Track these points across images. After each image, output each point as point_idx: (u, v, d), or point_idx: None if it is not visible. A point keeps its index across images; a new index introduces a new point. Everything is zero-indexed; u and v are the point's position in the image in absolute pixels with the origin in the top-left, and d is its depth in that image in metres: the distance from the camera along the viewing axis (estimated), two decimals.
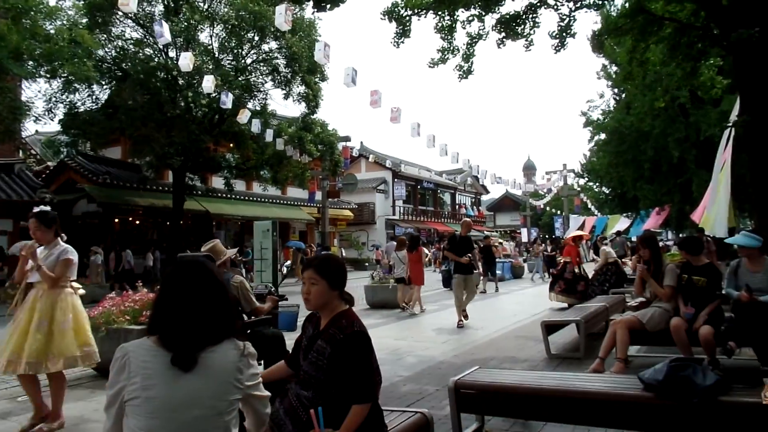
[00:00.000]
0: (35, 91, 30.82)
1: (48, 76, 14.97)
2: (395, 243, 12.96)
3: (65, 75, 15.02)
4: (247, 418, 1.89)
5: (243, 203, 24.55)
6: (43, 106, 16.17)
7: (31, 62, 14.03)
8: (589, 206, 31.90)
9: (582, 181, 29.72)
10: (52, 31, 14.07)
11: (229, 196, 22.74)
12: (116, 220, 21.01)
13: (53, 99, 16.58)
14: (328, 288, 2.38)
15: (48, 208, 4.38)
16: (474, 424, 3.58)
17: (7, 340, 4.04)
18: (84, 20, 16.45)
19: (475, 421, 3.61)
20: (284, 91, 19.87)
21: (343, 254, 21.14)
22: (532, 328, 7.87)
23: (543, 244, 22.36)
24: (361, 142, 35.88)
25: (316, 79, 20.10)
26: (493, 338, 7.73)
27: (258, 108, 19.30)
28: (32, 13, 13.45)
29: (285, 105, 71.87)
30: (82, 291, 4.44)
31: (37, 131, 25.99)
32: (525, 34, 8.64)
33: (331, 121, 64.99)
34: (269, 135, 16.66)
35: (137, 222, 22.16)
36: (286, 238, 26.59)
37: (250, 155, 20.53)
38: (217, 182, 22.50)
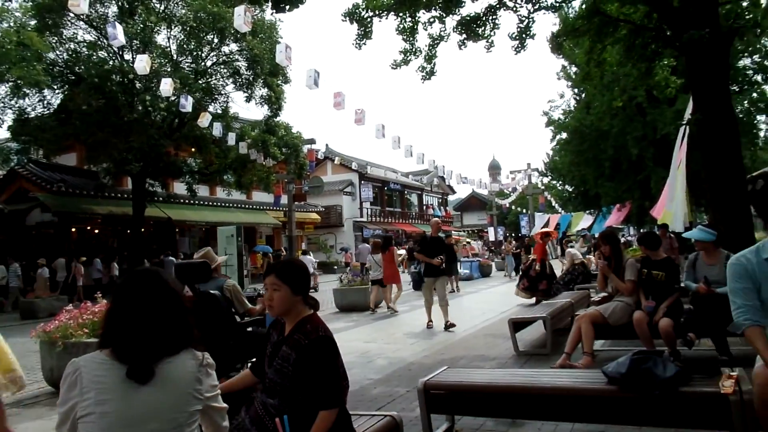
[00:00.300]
0: None
1: None
2: (368, 246, 12.99)
3: (13, 79, 14.42)
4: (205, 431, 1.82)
5: (207, 209, 24.06)
6: None
7: None
8: (554, 204, 32.56)
9: (546, 180, 30.36)
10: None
11: (191, 201, 22.25)
12: (73, 230, 20.25)
13: (1, 105, 15.88)
14: (290, 293, 2.34)
15: None
16: (444, 425, 3.57)
17: None
18: (32, 22, 15.84)
19: (445, 421, 3.60)
20: (246, 94, 19.60)
21: (311, 257, 20.91)
22: (500, 326, 7.95)
23: (513, 242, 22.78)
24: (327, 145, 35.72)
25: (279, 82, 19.89)
26: (463, 337, 7.77)
27: (219, 111, 18.95)
28: None
29: (247, 108, 71.03)
30: None
31: None
32: (486, 35, 8.74)
33: (296, 124, 64.66)
34: (232, 138, 16.38)
35: (96, 231, 21.43)
36: (253, 243, 26.20)
37: (213, 159, 20.14)
38: (179, 188, 21.97)
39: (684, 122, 9.02)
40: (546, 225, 23.92)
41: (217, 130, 15.33)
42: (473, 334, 8.01)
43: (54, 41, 16.97)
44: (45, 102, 17.19)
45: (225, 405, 1.84)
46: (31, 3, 15.98)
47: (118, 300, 1.71)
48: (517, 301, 11.09)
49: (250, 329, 4.99)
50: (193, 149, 20.37)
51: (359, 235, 34.47)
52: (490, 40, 8.80)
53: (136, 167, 17.57)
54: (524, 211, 35.32)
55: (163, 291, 1.72)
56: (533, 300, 10.53)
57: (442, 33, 8.80)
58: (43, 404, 5.31)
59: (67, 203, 18.55)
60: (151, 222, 21.18)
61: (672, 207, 9.85)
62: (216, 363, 1.79)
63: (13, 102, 16.02)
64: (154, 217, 20.92)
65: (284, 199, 22.19)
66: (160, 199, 21.19)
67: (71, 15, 16.67)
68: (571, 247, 13.61)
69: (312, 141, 22.11)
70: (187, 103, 13.32)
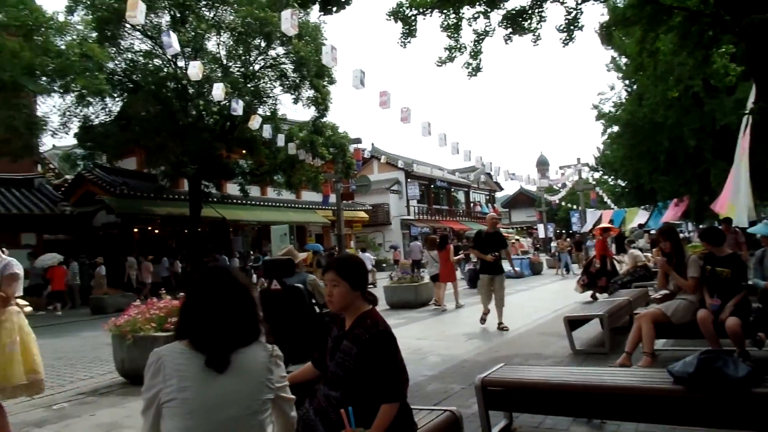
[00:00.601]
0: (50, 106, 31.32)
1: (61, 90, 15.18)
2: (419, 243, 13.13)
3: (78, 89, 15.25)
4: (275, 422, 1.90)
5: (258, 208, 24.72)
6: (58, 121, 16.43)
7: (44, 78, 14.25)
8: (605, 200, 31.57)
9: (597, 175, 29.42)
10: (63, 47, 14.26)
11: (244, 201, 22.89)
12: (135, 230, 21.25)
13: (67, 113, 16.84)
14: (350, 289, 2.40)
15: None
16: (502, 422, 3.56)
17: None
18: (93, 34, 16.68)
19: (503, 418, 3.59)
20: (293, 96, 19.99)
21: (369, 254, 21.18)
22: (554, 324, 7.81)
23: (567, 240, 22.38)
24: (372, 144, 35.92)
25: (325, 83, 20.16)
26: (516, 335, 7.68)
27: (268, 113, 19.42)
28: (43, 29, 13.67)
29: (295, 109, 72.19)
30: (28, 308, 4.09)
31: (54, 146, 26.42)
32: (532, 28, 8.59)
33: (342, 124, 65.19)
34: (281, 140, 16.74)
35: (156, 231, 22.41)
36: (304, 242, 26.71)
37: (263, 161, 20.68)
38: (232, 189, 22.67)
39: (747, 111, 8.56)
40: (599, 221, 23.24)
41: (267, 132, 15.70)
42: (527, 332, 7.90)
43: (113, 51, 17.84)
44: (107, 109, 18.13)
45: (293, 396, 1.92)
46: (91, 16, 16.83)
47: (193, 295, 1.80)
48: (570, 299, 10.87)
49: (328, 320, 5.28)
50: (244, 151, 20.98)
51: (407, 233, 34.51)
52: (536, 34, 8.65)
53: (192, 169, 18.25)
54: (575, 207, 34.41)
55: (234, 286, 1.81)
56: (590, 296, 10.34)
57: (487, 28, 8.71)
58: (116, 393, 5.62)
59: (129, 205, 19.55)
60: (206, 222, 21.97)
61: (736, 200, 9.38)
62: (298, 351, 1.87)
63: (78, 110, 16.95)
64: (209, 218, 21.68)
65: (332, 198, 22.51)
66: (215, 200, 21.93)
67: (128, 26, 17.48)
68: (634, 247, 13.12)
69: (358, 140, 22.33)
70: (238, 107, 13.70)
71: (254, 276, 20.65)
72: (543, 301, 11.74)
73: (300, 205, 27.50)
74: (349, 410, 2.14)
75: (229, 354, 1.69)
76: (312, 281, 5.03)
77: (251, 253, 23.89)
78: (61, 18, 15.00)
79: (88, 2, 16.84)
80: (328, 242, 29.06)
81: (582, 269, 11.73)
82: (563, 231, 35.63)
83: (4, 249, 4.02)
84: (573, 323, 6.25)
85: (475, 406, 3.41)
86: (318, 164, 20.14)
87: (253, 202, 24.19)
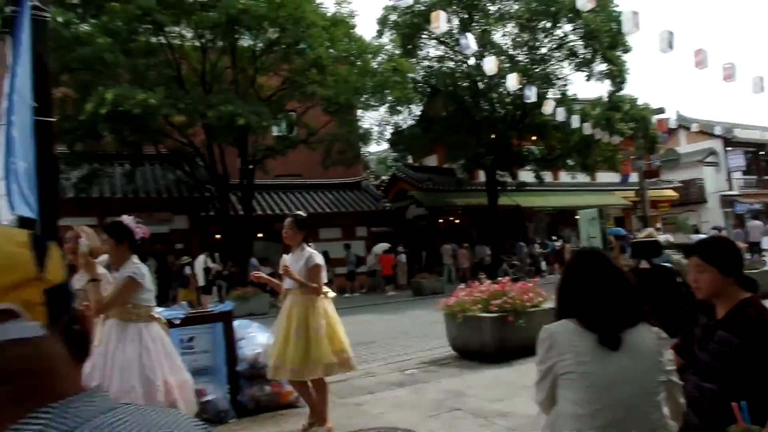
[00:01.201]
0: (367, 119, 37.07)
1: (377, 104, 17.81)
2: (759, 222, 11.06)
3: (391, 100, 17.64)
4: (667, 406, 1.91)
5: (552, 194, 24.44)
6: (376, 130, 19.40)
7: (364, 96, 16.93)
8: None
9: None
10: (377, 66, 16.66)
11: (538, 188, 22.95)
12: (440, 221, 23.49)
13: (382, 123, 19.73)
14: (718, 274, 2.21)
15: (303, 214, 4.44)
16: None
17: (273, 345, 4.20)
18: (397, 51, 19.04)
19: None
20: (585, 73, 19.06)
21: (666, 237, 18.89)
22: None
23: None
24: (677, 112, 31.43)
25: (619, 53, 18.63)
26: None
27: (558, 95, 18.98)
28: (363, 55, 16.23)
29: (584, 88, 68.54)
30: (332, 294, 4.35)
31: (369, 152, 31.27)
32: None
33: (640, 95, 58.94)
34: (575, 121, 16.16)
35: (457, 221, 24.32)
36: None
37: (555, 145, 20.35)
38: (524, 176, 22.97)
39: None
40: None
41: (560, 115, 15.38)
42: None
43: (413, 62, 20.05)
44: (412, 115, 20.53)
45: (681, 382, 1.89)
46: (396, 35, 19.21)
47: (573, 277, 1.94)
48: None
49: (684, 291, 5.16)
50: (534, 138, 21.00)
51: (729, 212, 29.19)
52: None
53: (488, 160, 19.22)
54: None
55: (611, 268, 1.89)
56: None
57: None
58: (453, 366, 6.35)
59: (434, 199, 21.80)
60: (501, 210, 22.80)
61: None
62: (672, 329, 1.86)
63: (390, 119, 19.67)
64: (504, 206, 22.43)
65: (633, 177, 20.64)
66: (510, 188, 22.58)
67: (423, 37, 19.37)
68: None
69: (661, 110, 19.91)
70: (531, 94, 13.78)
71: (543, 263, 20.46)
72: None
73: (596, 188, 26.01)
74: (742, 405, 2.00)
75: (619, 333, 1.77)
76: (676, 261, 4.83)
77: (551, 238, 23.61)
78: (369, 40, 17.59)
79: (392, 24, 19.30)
80: (630, 225, 26.70)
81: None
82: None
83: (310, 243, 4.27)
84: None
85: None
86: (615, 142, 18.77)
87: (547, 188, 23.98)
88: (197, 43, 14.75)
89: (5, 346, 0.55)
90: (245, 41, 15.11)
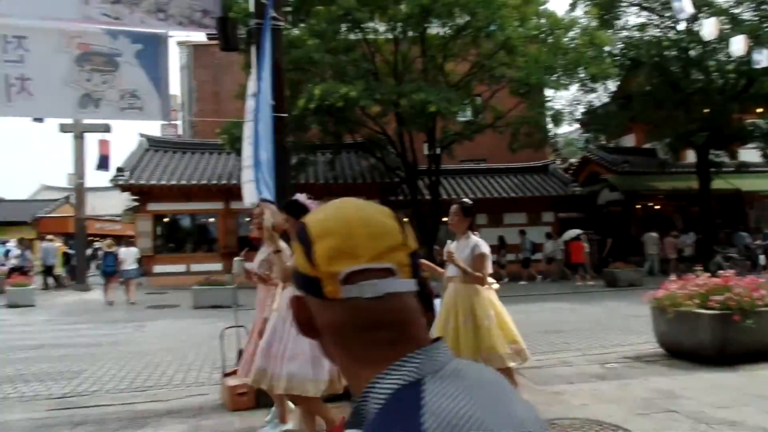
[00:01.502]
0: (558, 99, 35.02)
1: (568, 82, 16.73)
2: None
3: (583, 77, 16.43)
4: None
5: None
6: (567, 110, 18.24)
7: (555, 75, 16.02)
8: None
9: None
10: (570, 43, 15.61)
11: (763, 169, 19.53)
12: (638, 207, 21.42)
13: (573, 102, 18.49)
14: None
15: (469, 201, 4.32)
16: None
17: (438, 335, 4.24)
18: (593, 23, 17.57)
19: None
20: None
21: None
22: None
23: None
24: None
25: None
26: None
27: None
28: (555, 31, 15.38)
29: None
30: (496, 285, 4.26)
31: (555, 133, 29.52)
32: None
33: None
34: None
35: (657, 207, 21.94)
36: None
37: None
38: (745, 155, 19.67)
39: None
40: None
41: None
42: None
43: (610, 34, 18.33)
44: (607, 92, 18.90)
45: None
46: (591, 5, 17.75)
47: None
48: None
49: None
50: (760, 110, 17.81)
51: None
52: None
53: (701, 138, 16.90)
54: None
55: None
56: None
57: None
58: (661, 364, 5.82)
59: (632, 182, 19.94)
60: (715, 195, 19.91)
61: None
62: None
63: (583, 97, 18.38)
64: (720, 190, 19.53)
65: None
66: (727, 169, 19.56)
67: (623, 4, 17.61)
68: None
69: None
70: (762, 57, 11.74)
71: (761, 256, 17.28)
72: None
73: None
74: None
75: None
76: None
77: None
78: (561, 15, 16.50)
79: None
80: None
81: None
82: None
83: (475, 232, 4.23)
84: None
85: None
86: None
87: None
88: (390, 36, 15.50)
89: (386, 298, 0.70)
90: (434, 29, 15.46)
